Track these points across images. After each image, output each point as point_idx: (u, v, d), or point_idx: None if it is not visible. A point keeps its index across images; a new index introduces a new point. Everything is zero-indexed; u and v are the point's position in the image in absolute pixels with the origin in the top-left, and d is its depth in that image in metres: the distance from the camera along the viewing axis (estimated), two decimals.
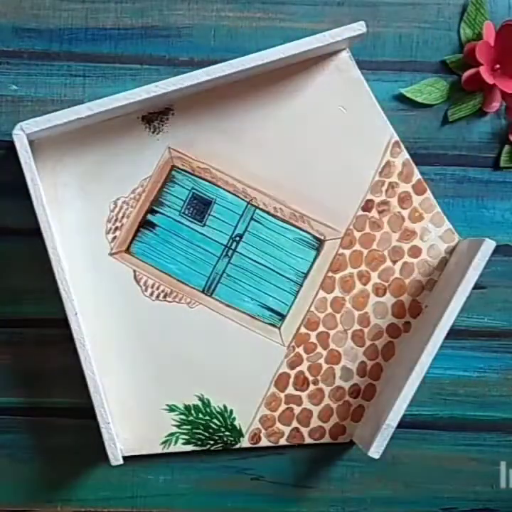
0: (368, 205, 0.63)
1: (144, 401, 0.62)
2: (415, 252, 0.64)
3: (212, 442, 0.63)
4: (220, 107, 0.62)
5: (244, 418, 0.63)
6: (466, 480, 0.66)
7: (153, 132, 0.62)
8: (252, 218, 0.63)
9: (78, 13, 0.62)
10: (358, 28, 0.59)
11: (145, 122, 0.62)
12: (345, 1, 0.63)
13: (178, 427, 0.63)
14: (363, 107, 0.63)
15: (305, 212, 0.63)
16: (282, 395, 0.63)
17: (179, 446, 0.63)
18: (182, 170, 0.62)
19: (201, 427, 0.63)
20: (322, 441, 0.64)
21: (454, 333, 0.61)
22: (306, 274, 0.63)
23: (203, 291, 0.63)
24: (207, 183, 0.62)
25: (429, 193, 0.64)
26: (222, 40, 0.63)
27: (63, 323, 0.58)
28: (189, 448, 0.63)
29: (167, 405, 0.62)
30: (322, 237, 0.63)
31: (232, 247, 0.63)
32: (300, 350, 0.63)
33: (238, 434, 0.63)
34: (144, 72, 0.63)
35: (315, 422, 0.64)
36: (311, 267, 0.63)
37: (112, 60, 0.63)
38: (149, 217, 0.62)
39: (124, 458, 0.59)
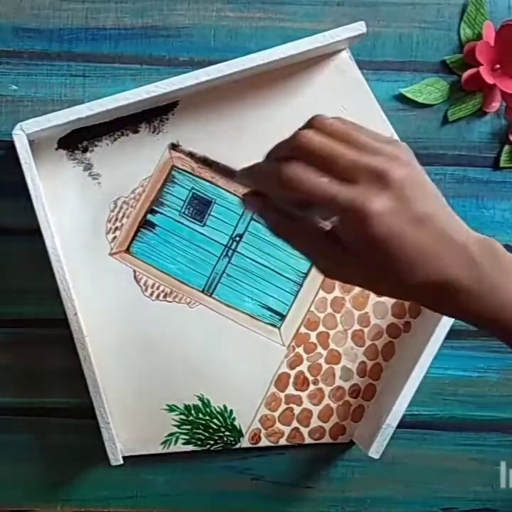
0: None
1: (144, 401, 0.62)
2: None
3: (212, 442, 0.63)
4: (220, 106, 0.62)
5: (244, 418, 0.63)
6: (466, 480, 0.66)
7: (153, 132, 0.62)
8: (252, 218, 0.63)
9: (78, 13, 0.62)
10: (358, 28, 0.59)
11: (145, 122, 0.62)
12: (345, 1, 0.63)
13: (178, 427, 0.63)
14: (363, 107, 0.63)
15: None
16: (282, 395, 0.63)
17: (179, 446, 0.63)
18: (182, 170, 0.62)
19: (201, 427, 0.63)
20: (322, 441, 0.64)
21: (454, 333, 0.61)
22: (306, 274, 0.63)
23: (203, 291, 0.63)
24: (207, 183, 0.62)
25: None
26: (222, 40, 0.63)
27: (63, 323, 0.58)
28: (189, 448, 0.63)
29: (167, 405, 0.62)
30: None
31: (232, 247, 0.63)
32: (300, 350, 0.63)
33: (238, 434, 0.63)
34: (144, 72, 0.63)
35: (315, 422, 0.64)
36: (311, 267, 0.63)
37: (112, 60, 0.63)
38: (149, 217, 0.62)
39: (124, 458, 0.59)
